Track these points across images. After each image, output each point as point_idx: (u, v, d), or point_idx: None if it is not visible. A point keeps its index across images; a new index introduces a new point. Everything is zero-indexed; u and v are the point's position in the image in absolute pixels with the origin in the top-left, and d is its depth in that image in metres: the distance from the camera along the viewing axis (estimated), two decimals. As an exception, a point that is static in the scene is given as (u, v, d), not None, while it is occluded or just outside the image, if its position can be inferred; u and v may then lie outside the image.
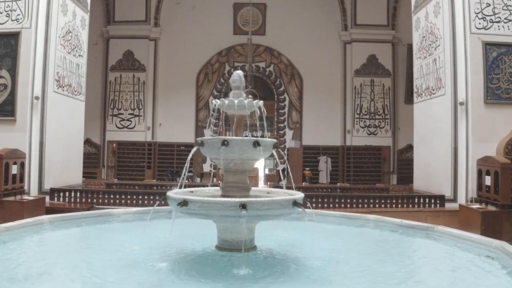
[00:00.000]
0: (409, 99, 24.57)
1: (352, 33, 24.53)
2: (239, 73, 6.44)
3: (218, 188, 7.23)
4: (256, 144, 5.73)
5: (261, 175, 26.17)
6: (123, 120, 24.37)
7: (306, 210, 5.66)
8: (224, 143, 5.67)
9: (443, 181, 13.99)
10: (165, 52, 25.15)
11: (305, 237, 6.80)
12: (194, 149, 6.02)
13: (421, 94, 15.51)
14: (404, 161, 24.41)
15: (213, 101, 6.30)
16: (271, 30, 24.70)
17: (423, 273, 5.59)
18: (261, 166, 24.05)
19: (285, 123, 24.36)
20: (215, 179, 22.85)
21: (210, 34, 25.15)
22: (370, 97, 24.44)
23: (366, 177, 23.63)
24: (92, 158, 23.65)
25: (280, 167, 22.04)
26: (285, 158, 20.88)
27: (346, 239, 7.03)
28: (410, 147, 24.11)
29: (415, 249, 6.95)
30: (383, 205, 13.14)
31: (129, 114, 24.41)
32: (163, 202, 6.23)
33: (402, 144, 24.67)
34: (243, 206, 5.10)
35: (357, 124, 24.25)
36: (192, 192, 6.37)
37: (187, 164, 6.39)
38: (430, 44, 14.88)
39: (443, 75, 14.02)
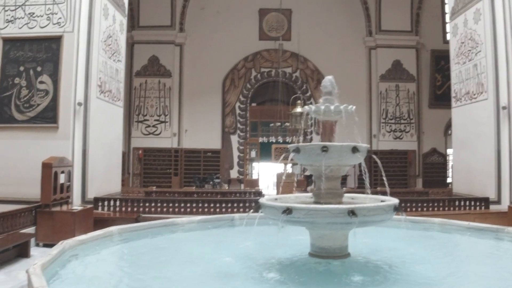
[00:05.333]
0: (433, 104, 24.71)
1: (377, 38, 24.65)
2: (330, 78, 6.38)
3: (299, 194, 7.17)
4: (355, 149, 5.64)
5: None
6: (149, 126, 24.27)
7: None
8: (324, 149, 5.56)
9: (486, 183, 14.02)
10: (190, 58, 25.08)
11: (385, 242, 6.79)
12: (291, 155, 5.87)
13: (460, 99, 15.43)
14: (429, 165, 24.62)
15: (307, 107, 6.19)
16: (296, 36, 24.49)
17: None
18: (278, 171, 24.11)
19: (312, 128, 24.16)
20: (242, 185, 22.82)
21: (236, 39, 25.12)
22: (395, 102, 24.48)
23: (392, 181, 23.48)
24: (117, 166, 23.55)
25: (308, 172, 21.95)
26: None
27: (425, 243, 6.96)
28: (434, 151, 24.31)
29: (500, 252, 6.81)
30: (431, 208, 13.19)
31: (155, 120, 24.31)
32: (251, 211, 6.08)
33: (426, 148, 24.80)
34: (353, 212, 5.00)
35: (383, 128, 24.26)
36: (277, 199, 6.27)
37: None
38: (470, 50, 14.84)
39: (485, 80, 14.01)
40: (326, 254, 5.68)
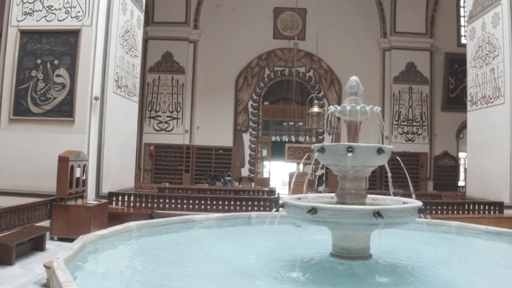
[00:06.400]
0: (445, 107, 24.70)
1: (391, 40, 24.58)
2: (356, 79, 6.34)
3: (321, 195, 7.16)
4: (381, 151, 5.62)
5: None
6: (161, 122, 24.30)
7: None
8: (349, 149, 5.54)
9: (501, 188, 13.94)
10: (204, 55, 25.13)
11: (405, 244, 6.81)
12: (317, 155, 5.84)
13: (476, 103, 15.38)
14: (440, 168, 24.52)
15: (332, 107, 6.17)
16: (311, 36, 24.39)
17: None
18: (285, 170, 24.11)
19: (324, 128, 24.17)
20: (253, 184, 22.82)
21: (250, 37, 25.16)
22: (408, 104, 24.41)
23: (403, 183, 23.40)
24: (128, 161, 23.50)
25: (319, 173, 21.94)
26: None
27: (445, 245, 6.95)
28: (446, 154, 24.23)
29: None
30: (445, 212, 13.22)
31: (167, 116, 24.32)
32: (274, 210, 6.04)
33: (438, 151, 24.72)
34: (378, 213, 5.00)
35: (395, 130, 24.20)
36: (299, 198, 6.24)
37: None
38: (487, 54, 14.77)
39: (502, 85, 13.94)
40: (348, 254, 5.68)
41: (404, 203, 5.82)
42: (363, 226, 5.25)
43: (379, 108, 6.18)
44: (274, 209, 5.95)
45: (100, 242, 5.92)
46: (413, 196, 6.20)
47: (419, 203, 5.54)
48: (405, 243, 6.84)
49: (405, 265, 5.67)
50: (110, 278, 5.05)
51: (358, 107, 5.98)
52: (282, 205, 5.68)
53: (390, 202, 6.14)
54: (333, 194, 6.36)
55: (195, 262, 5.77)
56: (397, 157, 6.21)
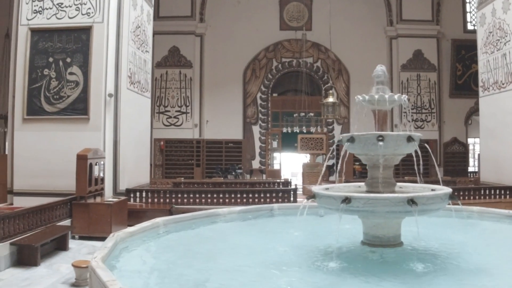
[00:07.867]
0: (453, 93, 24.68)
1: (398, 28, 24.52)
2: (382, 68, 6.37)
3: (347, 184, 7.18)
4: (410, 138, 5.66)
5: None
6: (170, 117, 24.33)
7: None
8: (379, 138, 5.56)
9: (517, 172, 13.94)
10: (211, 48, 25.09)
11: (431, 230, 6.74)
12: (346, 145, 5.85)
13: (488, 88, 15.37)
14: (450, 154, 24.57)
15: (359, 96, 6.19)
16: (317, 26, 24.58)
17: None
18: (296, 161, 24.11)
19: (334, 118, 24.15)
20: (264, 176, 22.86)
21: (257, 29, 25.07)
22: (417, 91, 24.43)
23: (413, 170, 23.43)
24: (138, 157, 23.45)
25: (330, 162, 22.01)
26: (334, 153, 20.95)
27: (470, 230, 6.98)
28: (455, 140, 24.25)
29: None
30: (461, 197, 13.23)
31: (176, 111, 24.35)
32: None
33: (447, 137, 24.75)
34: (413, 201, 5.03)
35: (404, 118, 24.13)
36: (328, 188, 6.25)
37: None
38: (498, 40, 14.75)
39: (515, 69, 13.96)
40: (380, 242, 5.72)
41: (432, 190, 5.84)
42: (397, 214, 5.31)
43: (406, 96, 6.20)
44: (304, 201, 5.97)
45: (130, 240, 5.94)
46: (441, 182, 6.20)
47: (449, 189, 5.59)
48: (431, 229, 6.81)
49: (436, 251, 5.69)
50: (147, 274, 5.10)
51: (387, 96, 6.00)
52: (313, 196, 5.70)
53: (418, 189, 6.16)
54: (356, 184, 6.38)
55: (227, 256, 5.78)
56: (426, 145, 6.21)
